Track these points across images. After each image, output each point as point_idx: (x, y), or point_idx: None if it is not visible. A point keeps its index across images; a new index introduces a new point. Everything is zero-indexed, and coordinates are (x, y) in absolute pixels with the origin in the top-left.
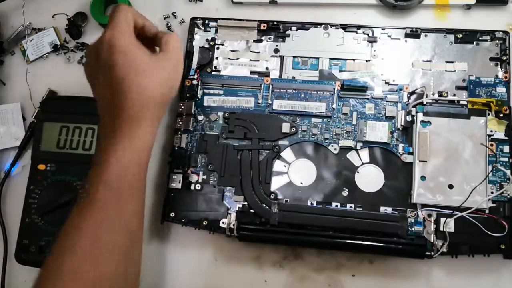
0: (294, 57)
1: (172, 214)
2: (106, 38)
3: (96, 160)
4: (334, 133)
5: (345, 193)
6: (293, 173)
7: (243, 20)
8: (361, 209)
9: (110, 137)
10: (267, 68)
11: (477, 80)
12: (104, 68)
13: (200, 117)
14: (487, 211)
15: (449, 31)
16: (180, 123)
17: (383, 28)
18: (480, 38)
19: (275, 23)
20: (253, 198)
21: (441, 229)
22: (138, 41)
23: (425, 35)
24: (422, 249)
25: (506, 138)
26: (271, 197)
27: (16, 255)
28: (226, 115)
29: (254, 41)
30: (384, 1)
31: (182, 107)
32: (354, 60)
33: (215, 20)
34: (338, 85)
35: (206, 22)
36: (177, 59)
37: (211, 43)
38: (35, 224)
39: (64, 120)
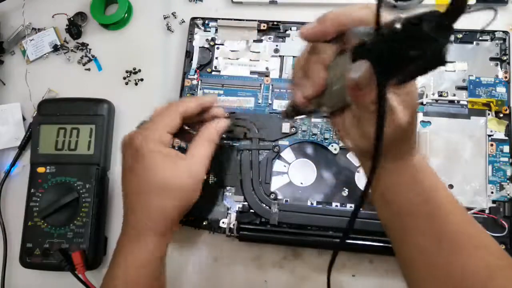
0: (294, 57)
1: None
2: (139, 139)
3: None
4: (334, 133)
5: (345, 193)
6: (293, 173)
7: (243, 20)
8: (361, 209)
9: (117, 246)
10: (267, 68)
11: (477, 80)
12: (126, 164)
13: None
14: (487, 211)
15: None
16: None
17: None
18: (480, 38)
19: (275, 23)
20: (253, 198)
21: None
22: (167, 150)
23: None
24: None
25: (506, 138)
26: (271, 197)
27: (21, 259)
28: (226, 115)
29: (254, 41)
30: (384, 1)
31: None
32: None
33: (215, 20)
34: None
35: (206, 22)
36: (197, 169)
37: (211, 43)
38: (37, 227)
39: (61, 121)
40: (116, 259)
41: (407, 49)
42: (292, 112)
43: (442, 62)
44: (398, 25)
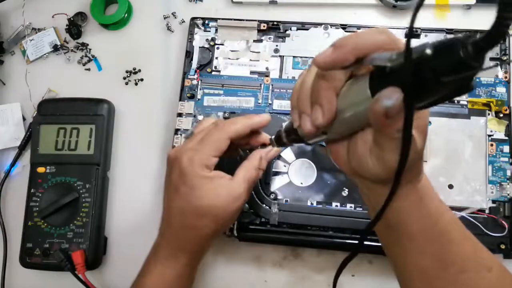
0: (294, 57)
1: None
2: (185, 160)
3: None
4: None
5: (345, 193)
6: (293, 173)
7: (243, 20)
8: (361, 209)
9: (148, 259)
10: (267, 68)
11: (477, 80)
12: (171, 182)
13: (200, 117)
14: (487, 211)
15: (449, 31)
16: (180, 123)
17: None
18: None
19: (275, 23)
20: (253, 198)
21: None
22: (212, 173)
23: (425, 35)
24: None
25: (506, 138)
26: (271, 197)
27: (21, 259)
28: (226, 115)
29: (254, 41)
30: (384, 1)
31: (182, 107)
32: None
33: (215, 20)
34: None
35: (206, 22)
36: (241, 194)
37: (211, 43)
38: (37, 227)
39: (61, 121)
40: (143, 277)
41: (439, 75)
42: (288, 138)
43: (471, 88)
44: (428, 50)
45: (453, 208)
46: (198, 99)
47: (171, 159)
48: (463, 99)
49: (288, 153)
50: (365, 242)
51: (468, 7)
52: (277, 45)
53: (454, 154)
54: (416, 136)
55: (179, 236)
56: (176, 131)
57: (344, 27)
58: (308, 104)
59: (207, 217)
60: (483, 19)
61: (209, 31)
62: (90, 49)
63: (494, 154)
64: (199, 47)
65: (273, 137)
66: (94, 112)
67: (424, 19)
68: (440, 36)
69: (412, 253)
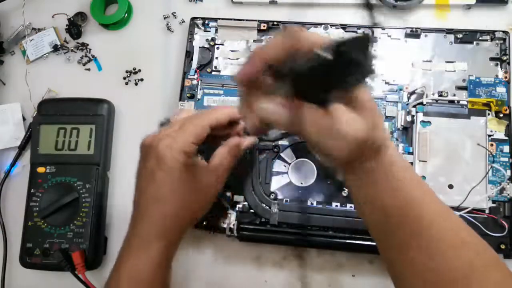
0: None
1: None
2: (163, 146)
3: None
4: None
5: (345, 193)
6: (293, 173)
7: (243, 20)
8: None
9: (121, 252)
10: None
11: (477, 80)
12: (147, 169)
13: None
14: (487, 211)
15: (449, 31)
16: None
17: (383, 28)
18: (480, 38)
19: (275, 23)
20: (253, 198)
21: None
22: (190, 160)
23: (425, 35)
24: None
25: (506, 138)
26: (271, 197)
27: (21, 259)
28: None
29: (254, 41)
30: (384, 1)
31: (182, 107)
32: None
33: (215, 20)
34: None
35: (206, 22)
36: (216, 181)
37: (211, 43)
38: (37, 227)
39: (61, 121)
40: (116, 272)
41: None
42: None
43: (367, 72)
44: (327, 54)
45: (453, 208)
46: (198, 99)
47: (146, 146)
48: (463, 99)
49: (288, 153)
50: (365, 242)
51: (468, 7)
52: None
53: (454, 154)
54: (351, 117)
55: (157, 224)
56: None
57: (344, 27)
58: (247, 109)
59: (185, 205)
60: (483, 19)
61: (209, 31)
62: (90, 49)
63: (494, 154)
64: (199, 47)
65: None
66: (94, 112)
67: (424, 19)
68: (440, 36)
69: (391, 234)
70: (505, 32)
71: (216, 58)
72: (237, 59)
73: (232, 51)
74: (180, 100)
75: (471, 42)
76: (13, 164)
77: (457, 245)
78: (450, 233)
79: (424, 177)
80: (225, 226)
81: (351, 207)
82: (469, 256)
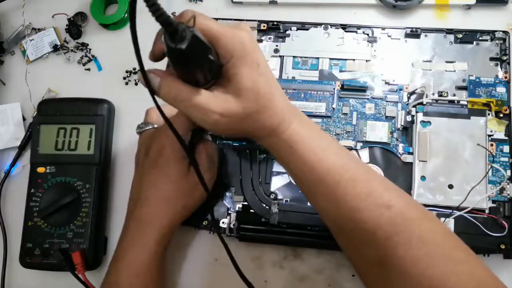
0: (294, 57)
1: None
2: (164, 137)
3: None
4: (334, 133)
5: None
6: None
7: (243, 20)
8: None
9: (119, 244)
10: None
11: (477, 80)
12: (150, 157)
13: None
14: (487, 211)
15: (449, 31)
16: None
17: (383, 28)
18: (480, 38)
19: (275, 23)
20: (253, 198)
21: None
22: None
23: (425, 35)
24: None
25: (506, 138)
26: (271, 197)
27: (21, 259)
28: None
29: None
30: (384, 1)
31: None
32: (354, 60)
33: (215, 20)
34: (338, 85)
35: None
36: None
37: None
38: (37, 227)
39: (61, 121)
40: (120, 251)
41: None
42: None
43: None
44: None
45: (453, 208)
46: None
47: (150, 136)
48: (463, 99)
49: None
50: None
51: (468, 7)
52: (277, 45)
53: (454, 154)
54: (222, 97)
55: (157, 209)
56: None
57: (344, 27)
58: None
59: (184, 192)
60: (483, 19)
61: None
62: (90, 49)
63: (494, 154)
64: None
65: None
66: (94, 112)
67: (424, 19)
68: (440, 36)
69: (311, 200)
70: (505, 32)
71: None
72: None
73: None
74: None
75: (471, 42)
76: (13, 164)
77: (362, 196)
78: (354, 183)
79: (424, 177)
80: (225, 226)
81: None
82: (377, 206)
